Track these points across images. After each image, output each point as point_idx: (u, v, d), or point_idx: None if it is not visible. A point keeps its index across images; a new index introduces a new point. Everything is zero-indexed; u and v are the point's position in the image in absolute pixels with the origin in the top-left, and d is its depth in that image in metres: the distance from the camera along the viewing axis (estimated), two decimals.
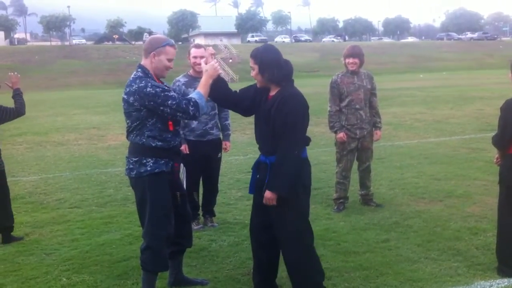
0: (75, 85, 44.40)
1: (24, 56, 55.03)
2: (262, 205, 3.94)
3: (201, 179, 6.23)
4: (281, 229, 3.92)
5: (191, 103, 3.83)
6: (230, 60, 53.97)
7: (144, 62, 4.00)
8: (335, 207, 6.57)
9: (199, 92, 3.94)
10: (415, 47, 70.66)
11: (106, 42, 74.00)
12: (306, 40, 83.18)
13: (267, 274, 4.17)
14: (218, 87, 4.06)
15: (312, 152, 10.65)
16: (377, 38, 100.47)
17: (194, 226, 6.02)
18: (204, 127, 5.99)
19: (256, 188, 4.06)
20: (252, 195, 4.19)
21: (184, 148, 5.95)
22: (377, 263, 4.77)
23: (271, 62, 3.88)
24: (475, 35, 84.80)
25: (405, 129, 13.66)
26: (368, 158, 6.68)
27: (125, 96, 3.87)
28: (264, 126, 3.95)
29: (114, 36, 76.76)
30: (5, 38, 75.84)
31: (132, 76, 3.96)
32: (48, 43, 76.30)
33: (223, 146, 6.22)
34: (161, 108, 3.79)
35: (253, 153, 10.90)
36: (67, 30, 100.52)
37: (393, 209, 6.50)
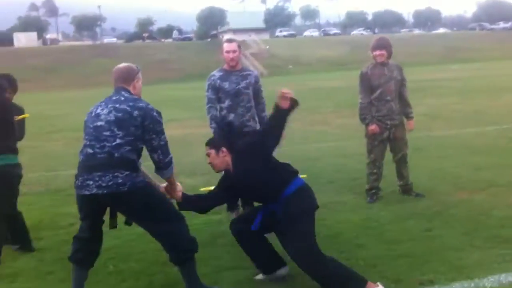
0: (107, 83, 44.67)
1: (57, 56, 56.00)
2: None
3: None
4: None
5: (169, 154, 4.01)
6: (267, 47, 54.56)
7: (128, 88, 4.11)
8: (369, 198, 6.53)
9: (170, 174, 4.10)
10: (447, 38, 69.58)
11: (136, 41, 74.77)
12: (335, 34, 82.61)
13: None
14: (194, 205, 4.37)
15: (348, 144, 10.64)
16: (408, 30, 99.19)
17: (234, 216, 6.04)
18: (241, 119, 6.01)
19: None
20: None
21: None
22: (421, 251, 4.73)
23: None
24: (508, 24, 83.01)
25: (442, 120, 13.49)
26: (401, 148, 6.60)
27: (128, 108, 3.87)
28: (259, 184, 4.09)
29: (144, 35, 77.49)
30: (38, 39, 77.19)
31: (125, 94, 4.01)
32: (79, 43, 77.51)
33: None
34: (154, 136, 3.89)
35: (288, 145, 10.87)
36: (98, 29, 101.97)
37: (434, 198, 6.42)
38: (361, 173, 7.54)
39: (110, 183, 3.73)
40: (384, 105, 6.43)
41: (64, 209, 6.66)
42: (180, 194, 4.23)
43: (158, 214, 3.90)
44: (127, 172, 3.77)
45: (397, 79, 6.48)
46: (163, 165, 3.97)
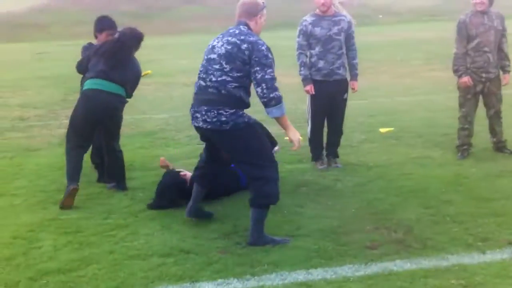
0: (196, 30, 45.34)
1: (147, 1, 56.98)
2: None
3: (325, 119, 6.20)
4: None
5: (276, 91, 3.85)
6: None
7: (249, 23, 4.06)
8: (459, 154, 6.30)
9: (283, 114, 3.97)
10: None
11: None
12: None
13: None
14: None
15: (438, 98, 10.28)
16: None
17: (319, 166, 6.08)
18: (331, 66, 5.91)
19: None
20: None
21: (310, 88, 5.95)
22: None
23: None
24: None
25: None
26: (495, 104, 6.28)
27: (238, 42, 3.88)
28: None
29: None
30: None
31: (242, 28, 3.99)
32: None
33: (351, 86, 6.12)
34: (258, 69, 3.82)
35: (375, 97, 10.70)
36: None
37: None
38: (451, 129, 7.30)
39: (214, 120, 3.88)
40: (481, 56, 6.10)
41: (153, 151, 6.94)
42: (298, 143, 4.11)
43: (253, 158, 3.97)
44: (231, 111, 3.87)
45: (497, 29, 6.10)
46: (267, 100, 3.84)
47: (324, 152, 6.26)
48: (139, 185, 5.69)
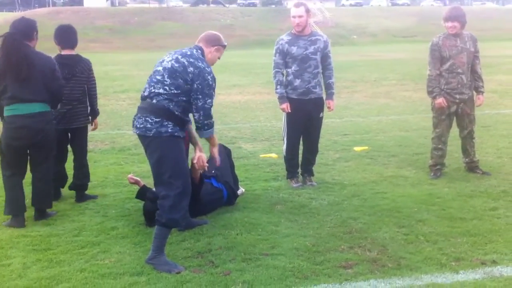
0: (173, 46, 45.41)
1: (124, 17, 56.81)
2: None
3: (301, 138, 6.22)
4: None
5: (210, 118, 4.12)
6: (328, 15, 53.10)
7: (204, 49, 4.23)
8: (432, 174, 6.36)
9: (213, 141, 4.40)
10: None
11: (201, 5, 74.98)
12: (403, 4, 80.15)
13: None
14: None
15: (411, 118, 10.41)
16: (480, 3, 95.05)
17: (293, 184, 6.07)
18: (307, 85, 5.94)
19: None
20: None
21: (286, 106, 5.96)
22: (485, 230, 4.60)
23: None
24: None
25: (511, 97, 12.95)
26: (468, 124, 6.37)
27: (186, 63, 4.02)
28: None
29: None
30: (106, 0, 78.60)
31: (195, 51, 4.14)
32: (146, 5, 78.38)
33: (327, 105, 6.14)
34: (200, 97, 4.00)
35: (349, 116, 10.78)
36: None
37: (501, 177, 6.21)
38: (424, 148, 7.40)
39: (141, 126, 4.03)
40: (454, 78, 6.19)
41: (128, 167, 6.85)
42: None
43: (164, 172, 3.97)
44: (157, 119, 3.97)
45: (469, 51, 6.20)
46: (201, 126, 4.11)
47: (299, 170, 6.27)
48: (112, 202, 5.60)
